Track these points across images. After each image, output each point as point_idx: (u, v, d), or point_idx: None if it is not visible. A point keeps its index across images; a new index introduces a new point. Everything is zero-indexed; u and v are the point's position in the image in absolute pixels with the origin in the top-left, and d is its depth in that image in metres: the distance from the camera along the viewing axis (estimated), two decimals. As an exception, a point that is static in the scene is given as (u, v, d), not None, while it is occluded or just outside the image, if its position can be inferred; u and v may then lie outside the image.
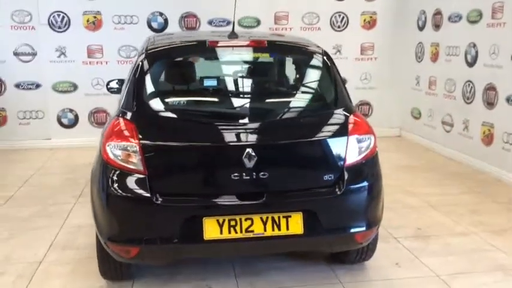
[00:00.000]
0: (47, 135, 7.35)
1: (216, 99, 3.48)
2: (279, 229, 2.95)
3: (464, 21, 6.33)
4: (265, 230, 2.94)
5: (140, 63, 3.22)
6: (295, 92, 3.82)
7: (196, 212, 2.91)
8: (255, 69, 3.70)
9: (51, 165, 6.49)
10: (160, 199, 2.86)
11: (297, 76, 3.70)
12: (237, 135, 3.00)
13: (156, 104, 3.22)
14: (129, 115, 3.06)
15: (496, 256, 3.79)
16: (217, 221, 2.90)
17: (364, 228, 3.12)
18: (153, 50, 3.33)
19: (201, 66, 3.57)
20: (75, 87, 7.30)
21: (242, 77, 3.66)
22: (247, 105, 3.22)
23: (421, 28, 7.42)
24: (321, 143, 3.13)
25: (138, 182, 2.88)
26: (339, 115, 3.25)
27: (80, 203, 4.91)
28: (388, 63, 7.87)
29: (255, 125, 3.05)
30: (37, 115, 7.30)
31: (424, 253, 3.83)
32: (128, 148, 2.91)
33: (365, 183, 3.13)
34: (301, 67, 3.68)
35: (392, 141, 7.78)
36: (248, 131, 3.02)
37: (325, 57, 3.47)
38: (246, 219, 2.93)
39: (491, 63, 5.81)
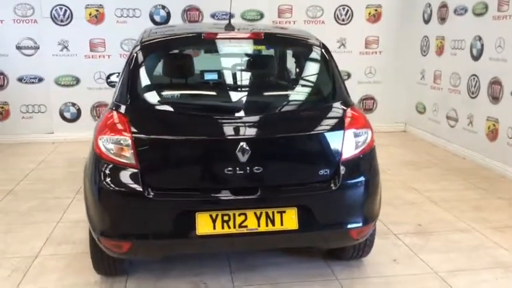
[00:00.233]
0: (49, 129, 7.35)
1: (211, 93, 3.44)
2: (273, 224, 2.91)
3: (470, 13, 6.23)
4: (259, 225, 2.90)
5: (134, 55, 3.18)
6: (291, 85, 3.76)
7: (189, 207, 2.87)
8: (251, 62, 3.65)
9: (52, 159, 6.48)
10: (152, 193, 2.82)
11: (294, 69, 3.64)
12: (231, 129, 2.95)
13: (150, 97, 3.18)
14: (122, 108, 3.02)
15: (497, 253, 3.72)
16: (210, 216, 2.86)
17: (360, 224, 3.07)
18: (147, 42, 3.28)
19: (197, 59, 3.52)
20: (77, 81, 7.29)
21: (238, 70, 3.61)
22: (242, 99, 3.17)
23: (426, 21, 7.32)
24: (316, 137, 3.08)
25: (130, 176, 2.85)
26: (335, 109, 3.19)
27: (78, 197, 4.89)
28: (393, 57, 7.77)
29: (250, 119, 2.99)
30: (40, 109, 7.30)
31: (423, 250, 3.77)
32: (121, 142, 2.87)
33: (361, 178, 3.08)
34: (298, 60, 3.62)
35: (397, 137, 7.71)
36: (242, 124, 2.97)
37: (323, 50, 3.41)
38: (239, 215, 2.88)
39: (497, 57, 5.71)
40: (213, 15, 7.32)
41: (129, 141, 2.85)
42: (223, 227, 2.87)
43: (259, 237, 2.94)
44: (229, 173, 2.86)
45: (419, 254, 3.69)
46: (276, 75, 3.71)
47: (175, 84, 3.43)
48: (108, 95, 6.86)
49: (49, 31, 7.04)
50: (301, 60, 3.60)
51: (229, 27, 3.40)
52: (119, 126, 2.92)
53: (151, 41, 3.31)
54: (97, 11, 7.11)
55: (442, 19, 6.88)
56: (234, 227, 2.88)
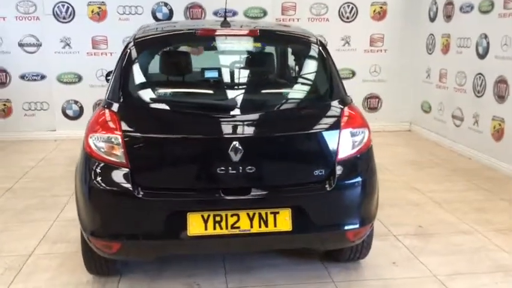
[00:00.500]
0: (51, 127, 7.34)
1: (204, 91, 3.36)
2: (266, 226, 2.84)
3: (476, 11, 6.12)
4: (251, 226, 2.83)
5: (127, 52, 3.13)
6: (287, 83, 3.68)
7: (180, 207, 2.81)
8: (246, 60, 3.57)
9: (54, 156, 6.46)
10: (142, 193, 2.77)
11: (290, 66, 3.57)
12: (223, 128, 2.88)
13: (141, 94, 3.12)
14: (113, 106, 2.97)
15: (499, 256, 3.63)
16: (202, 216, 2.80)
17: (356, 226, 3.00)
18: (141, 39, 3.23)
19: (191, 56, 3.45)
20: (79, 78, 7.27)
21: (232, 67, 3.53)
22: (236, 97, 3.09)
23: (432, 19, 7.21)
24: (311, 137, 3.01)
25: (121, 175, 2.79)
26: (332, 107, 3.11)
27: (76, 195, 4.86)
28: (399, 55, 7.67)
29: (243, 117, 2.92)
30: (42, 106, 7.29)
31: (423, 252, 3.69)
32: (111, 140, 2.82)
33: (358, 179, 3.00)
34: (295, 57, 3.54)
35: (402, 136, 7.61)
36: (235, 123, 2.90)
37: (320, 48, 3.32)
38: (232, 215, 2.82)
39: (503, 55, 5.60)
40: (215, 13, 7.26)
41: (120, 140, 2.80)
42: (215, 228, 2.81)
43: (252, 238, 2.88)
44: (222, 172, 2.80)
45: (419, 257, 3.61)
46: (272, 73, 3.62)
47: (168, 81, 3.37)
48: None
49: (51, 28, 7.03)
50: (298, 57, 3.52)
51: (225, 24, 3.34)
52: (110, 125, 2.86)
53: (144, 38, 3.25)
54: (99, 8, 7.08)
55: (448, 17, 6.77)
56: (226, 228, 2.82)
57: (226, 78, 3.48)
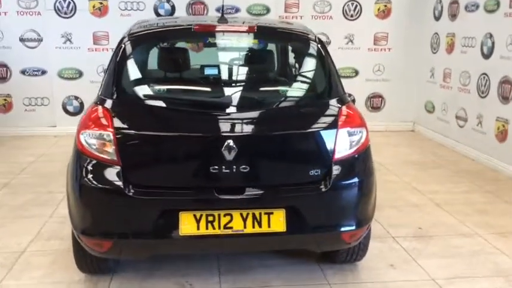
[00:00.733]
0: (52, 123, 7.30)
1: (198, 88, 3.29)
2: (260, 226, 2.78)
3: (481, 10, 6.03)
4: (245, 226, 2.77)
5: (121, 47, 3.07)
6: (284, 80, 3.61)
7: (172, 206, 2.75)
8: (243, 56, 3.50)
9: (53, 152, 6.43)
10: (133, 191, 2.71)
11: (287, 64, 3.49)
12: (217, 126, 2.81)
13: (135, 91, 3.06)
14: (106, 102, 2.92)
15: (499, 260, 3.55)
16: (194, 216, 2.74)
17: (352, 228, 2.93)
18: (135, 34, 3.17)
19: (186, 52, 3.38)
20: (80, 74, 7.23)
21: (228, 64, 3.47)
22: (231, 94, 3.02)
23: (437, 18, 7.11)
24: (307, 136, 2.94)
25: (112, 172, 2.74)
26: (330, 106, 3.04)
27: (73, 192, 4.81)
28: (403, 54, 7.58)
29: (237, 115, 2.86)
30: (42, 102, 7.25)
31: (422, 254, 3.62)
32: (102, 137, 2.77)
33: (354, 179, 2.93)
34: (293, 55, 3.47)
35: (405, 136, 7.53)
36: (229, 121, 2.83)
37: (319, 45, 3.25)
38: (224, 215, 2.76)
39: (508, 55, 5.51)
40: (218, 9, 7.18)
41: (112, 137, 2.75)
42: (207, 228, 2.75)
43: (245, 239, 2.82)
44: (215, 171, 2.74)
45: (418, 259, 3.54)
46: (269, 71, 3.55)
47: (162, 78, 3.31)
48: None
49: (52, 23, 6.98)
50: (296, 55, 3.45)
51: (223, 20, 3.27)
52: (102, 121, 2.81)
53: (139, 33, 3.19)
54: (101, 3, 7.02)
55: (453, 16, 6.67)
56: (219, 228, 2.76)
57: (222, 75, 3.41)
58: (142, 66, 3.29)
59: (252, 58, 3.44)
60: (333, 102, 3.05)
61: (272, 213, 2.79)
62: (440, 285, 3.21)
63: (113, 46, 7.03)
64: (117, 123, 2.79)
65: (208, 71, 3.44)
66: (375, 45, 7.57)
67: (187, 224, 2.74)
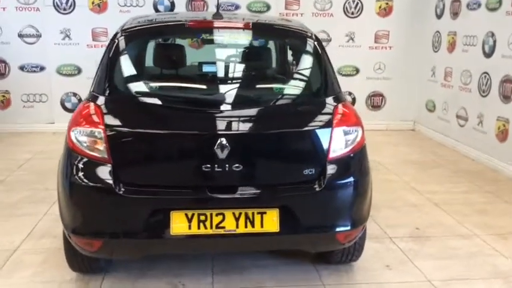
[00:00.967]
0: (50, 119, 7.27)
1: (192, 85, 3.23)
2: (253, 226, 2.74)
3: (483, 8, 5.96)
4: (237, 226, 2.73)
5: (114, 43, 3.04)
6: (278, 78, 3.55)
7: (163, 205, 2.71)
8: (237, 53, 3.45)
9: (51, 149, 6.36)
10: (124, 190, 2.67)
11: (283, 61, 3.44)
12: (210, 124, 2.76)
13: (127, 88, 3.03)
14: (97, 99, 2.88)
15: (497, 261, 3.50)
16: (186, 215, 2.70)
17: (347, 228, 2.88)
18: (128, 30, 3.13)
19: (180, 49, 3.33)
20: (79, 70, 7.20)
21: (223, 60, 3.41)
22: (224, 92, 2.97)
23: (439, 16, 7.04)
24: (302, 134, 2.89)
25: (102, 171, 2.70)
26: (325, 104, 2.99)
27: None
28: (404, 52, 7.51)
29: (230, 113, 2.82)
30: (41, 98, 7.22)
31: (418, 255, 3.56)
32: (93, 134, 2.73)
33: (349, 179, 2.88)
34: (288, 52, 3.41)
35: (405, 135, 7.47)
36: (222, 119, 2.79)
37: (315, 42, 3.20)
38: (217, 215, 2.72)
39: (510, 54, 5.44)
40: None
41: (103, 134, 2.70)
42: (199, 228, 2.71)
43: (237, 239, 2.78)
44: (207, 170, 2.69)
45: (414, 260, 3.49)
46: (264, 68, 3.48)
47: (155, 75, 3.26)
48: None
49: (51, 19, 6.94)
50: (292, 52, 3.39)
51: (217, 16, 3.23)
52: (93, 118, 2.78)
53: (132, 29, 3.15)
54: (100, -1, 6.99)
55: (455, 14, 6.61)
56: (211, 227, 2.72)
57: (216, 72, 3.36)
58: (135, 62, 3.23)
59: (247, 55, 3.38)
60: (329, 100, 3.00)
61: (265, 213, 2.74)
62: (436, 287, 3.16)
63: (112, 43, 7.00)
64: (109, 120, 2.75)
65: (202, 68, 3.39)
66: (376, 43, 7.50)
67: (179, 224, 2.69)
